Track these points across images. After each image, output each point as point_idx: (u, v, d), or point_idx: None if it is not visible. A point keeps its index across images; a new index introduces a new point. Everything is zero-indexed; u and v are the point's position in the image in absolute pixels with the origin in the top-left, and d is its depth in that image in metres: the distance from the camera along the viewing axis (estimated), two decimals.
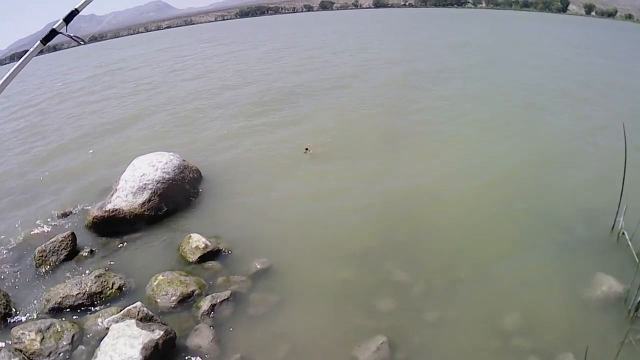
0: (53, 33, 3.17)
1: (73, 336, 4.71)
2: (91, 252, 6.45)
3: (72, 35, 3.24)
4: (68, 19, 3.24)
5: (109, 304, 5.37)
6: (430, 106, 13.63)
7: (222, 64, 27.52)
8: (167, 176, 7.47)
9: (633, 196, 6.25)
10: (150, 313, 4.78)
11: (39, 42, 3.11)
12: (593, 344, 4.27)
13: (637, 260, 5.63)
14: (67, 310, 5.27)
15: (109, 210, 6.89)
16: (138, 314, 4.71)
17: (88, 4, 3.47)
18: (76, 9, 3.32)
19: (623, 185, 6.15)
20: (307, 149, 9.47)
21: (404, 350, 4.71)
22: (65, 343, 4.63)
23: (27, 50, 3.19)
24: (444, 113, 12.81)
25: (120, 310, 4.87)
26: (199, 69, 25.90)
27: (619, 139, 6.03)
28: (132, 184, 7.19)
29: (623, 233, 6.25)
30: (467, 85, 16.49)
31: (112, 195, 7.21)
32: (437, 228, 6.88)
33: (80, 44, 3.46)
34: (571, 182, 8.31)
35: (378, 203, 7.60)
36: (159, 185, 7.26)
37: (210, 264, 6.00)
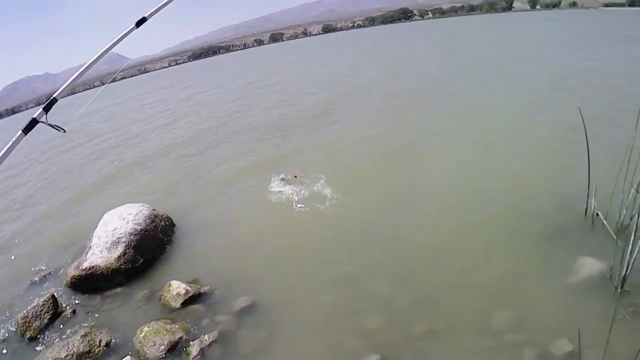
0: (34, 122, 3.18)
1: None
2: (74, 312, 6.36)
3: (52, 124, 3.26)
4: (47, 108, 3.26)
5: None
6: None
7: (186, 109, 27.49)
8: (139, 227, 7.43)
9: (600, 176, 6.33)
10: None
11: (20, 131, 3.10)
12: (585, 325, 4.35)
13: (615, 237, 5.70)
14: None
15: (86, 268, 6.82)
16: None
17: (65, 91, 3.49)
18: (54, 98, 3.36)
19: (589, 167, 6.26)
20: (296, 176, 9.70)
21: None
22: None
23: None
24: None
25: None
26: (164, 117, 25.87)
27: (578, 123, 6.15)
28: (106, 239, 7.14)
29: (597, 214, 6.34)
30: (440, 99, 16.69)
31: (87, 252, 7.15)
32: (412, 238, 6.93)
33: (61, 132, 3.47)
34: (539, 172, 8.46)
35: (349, 225, 7.65)
36: (132, 237, 7.20)
37: (193, 307, 5.96)
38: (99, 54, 3.69)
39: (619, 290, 5.18)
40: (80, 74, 3.66)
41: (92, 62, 3.73)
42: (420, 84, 20.07)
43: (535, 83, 16.85)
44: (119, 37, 3.68)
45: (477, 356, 4.72)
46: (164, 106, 31.08)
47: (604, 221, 6.15)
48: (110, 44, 3.68)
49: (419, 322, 5.21)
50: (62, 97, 3.49)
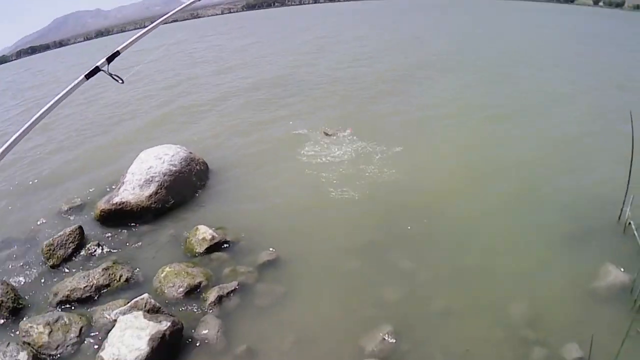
0: (96, 70, 3.39)
1: (81, 329, 4.77)
2: (99, 245, 6.47)
3: (112, 74, 3.43)
4: (110, 59, 3.46)
5: (116, 296, 5.39)
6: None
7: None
8: (174, 169, 7.51)
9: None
10: (157, 305, 4.81)
11: (82, 76, 3.29)
12: (598, 334, 4.23)
13: None
14: (75, 303, 5.31)
15: (117, 203, 6.94)
16: (145, 306, 4.75)
17: (130, 46, 3.67)
18: (118, 51, 3.55)
19: (630, 174, 6.15)
20: (326, 133, 9.88)
21: (409, 340, 4.73)
22: (73, 336, 4.68)
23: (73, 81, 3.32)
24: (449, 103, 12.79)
25: (128, 302, 4.90)
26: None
27: (626, 128, 6.04)
28: (139, 176, 7.23)
29: (630, 223, 6.23)
30: (467, 76, 16.35)
31: (119, 188, 7.26)
32: (442, 218, 6.87)
33: (119, 82, 3.63)
34: (578, 172, 8.28)
35: (382, 194, 7.61)
36: (165, 177, 7.29)
37: (217, 255, 6.04)
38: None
39: (638, 305, 5.12)
40: (145, 32, 3.85)
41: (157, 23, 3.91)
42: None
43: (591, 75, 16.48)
44: None
45: (489, 345, 4.73)
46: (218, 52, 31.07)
47: (635, 232, 6.06)
48: None
49: (436, 300, 5.24)
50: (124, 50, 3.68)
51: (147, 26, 4.06)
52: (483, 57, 20.26)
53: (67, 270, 6.06)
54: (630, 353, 4.14)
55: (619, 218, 6.48)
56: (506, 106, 12.25)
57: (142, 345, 4.24)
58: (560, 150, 9.18)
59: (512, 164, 8.60)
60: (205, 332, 4.76)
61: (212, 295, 5.17)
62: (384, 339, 4.66)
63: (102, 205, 6.99)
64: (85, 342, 4.71)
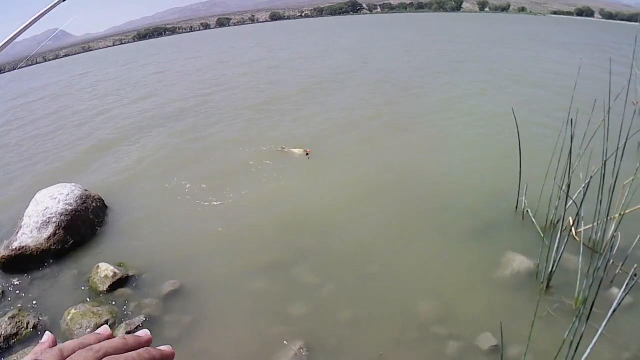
0: None
1: None
2: (2, 293, 6.55)
3: None
4: None
5: (26, 344, 5.52)
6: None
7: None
8: (70, 207, 7.61)
9: (531, 174, 6.80)
10: None
11: None
12: (510, 320, 4.74)
13: (542, 235, 6.24)
14: None
15: (16, 248, 7.00)
16: None
17: None
18: None
19: (521, 164, 6.68)
20: (307, 154, 10.09)
21: (321, 353, 5.05)
22: None
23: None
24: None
25: None
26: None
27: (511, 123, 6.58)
28: (36, 219, 7.30)
29: (527, 211, 6.82)
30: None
31: (17, 232, 7.30)
32: (341, 229, 7.34)
33: None
34: (472, 167, 9.03)
35: (281, 212, 8.08)
36: (62, 217, 7.39)
37: (121, 291, 6.22)
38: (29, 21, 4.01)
39: (545, 287, 5.63)
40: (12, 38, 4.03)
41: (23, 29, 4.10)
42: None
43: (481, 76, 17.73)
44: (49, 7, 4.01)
45: (402, 346, 5.07)
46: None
47: (533, 219, 6.63)
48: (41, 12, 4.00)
49: (344, 310, 5.59)
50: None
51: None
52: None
53: None
54: (543, 332, 4.68)
55: (517, 208, 7.09)
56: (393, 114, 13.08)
57: None
58: (449, 151, 9.97)
59: (407, 170, 9.25)
60: None
61: (120, 332, 5.28)
62: (296, 354, 4.95)
63: (2, 252, 7.02)
64: None
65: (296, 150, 10.40)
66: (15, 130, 18.26)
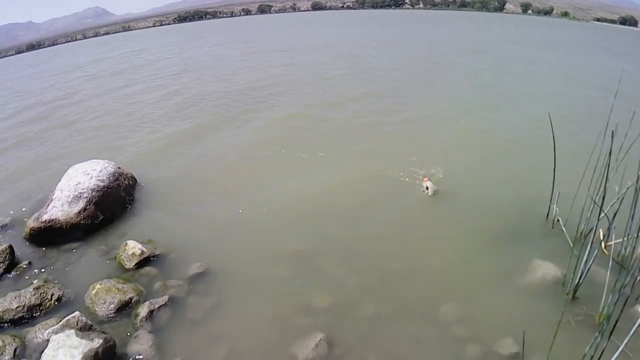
0: None
1: (15, 350, 5.10)
2: (29, 263, 6.82)
3: None
4: None
5: (49, 316, 5.75)
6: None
7: None
8: (102, 184, 7.85)
9: (565, 183, 6.84)
10: (89, 322, 5.14)
11: None
12: (532, 327, 4.79)
13: (572, 245, 6.29)
14: (8, 324, 5.64)
15: (46, 220, 7.25)
16: (77, 324, 5.06)
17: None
18: None
19: (554, 172, 6.76)
20: (426, 188, 8.33)
21: (342, 346, 5.24)
22: (7, 358, 5.01)
23: None
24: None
25: (60, 321, 5.19)
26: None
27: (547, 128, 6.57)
28: (68, 193, 7.55)
29: (558, 220, 6.88)
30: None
31: (48, 205, 7.56)
32: (369, 223, 7.49)
33: None
34: (505, 172, 9.07)
35: (308, 202, 8.20)
36: (94, 193, 7.63)
37: (147, 269, 6.47)
38: None
39: (570, 297, 5.71)
40: None
41: None
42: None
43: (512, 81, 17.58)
44: None
45: (422, 344, 5.24)
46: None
47: (563, 228, 6.69)
48: None
49: (366, 304, 5.77)
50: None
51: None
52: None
53: None
54: (565, 343, 4.73)
55: (547, 216, 7.13)
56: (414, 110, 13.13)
57: None
58: (484, 154, 9.97)
59: (436, 167, 9.28)
60: (137, 347, 5.15)
61: (143, 310, 5.59)
62: (316, 346, 5.11)
63: (32, 223, 7.28)
64: None
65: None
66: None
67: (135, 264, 6.50)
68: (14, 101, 20.42)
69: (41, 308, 5.87)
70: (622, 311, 4.12)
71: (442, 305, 5.76)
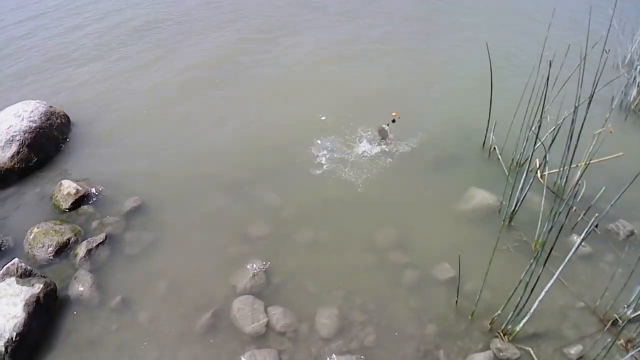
0: None
1: None
2: None
3: None
4: None
5: None
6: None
7: None
8: (34, 125, 7.66)
9: (502, 112, 6.95)
10: (29, 268, 5.20)
11: None
12: (469, 254, 4.97)
13: (507, 173, 6.52)
14: None
15: None
16: (17, 271, 5.11)
17: None
18: None
19: (491, 101, 6.88)
20: (393, 120, 7.70)
21: (280, 274, 5.48)
22: None
23: None
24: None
25: (0, 270, 5.22)
26: None
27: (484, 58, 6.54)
28: (0, 137, 7.40)
29: (494, 148, 7.07)
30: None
31: None
32: (305, 154, 7.51)
33: None
34: (442, 102, 9.06)
35: (246, 133, 8.13)
36: (26, 135, 7.45)
37: (84, 208, 6.44)
38: None
39: (506, 224, 5.98)
40: None
41: None
42: None
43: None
44: None
45: (360, 271, 5.51)
46: None
47: (499, 156, 6.90)
48: None
49: (303, 232, 6.00)
50: None
51: None
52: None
53: None
54: (501, 268, 4.97)
55: (484, 144, 7.31)
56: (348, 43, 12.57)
57: (18, 312, 4.64)
58: (424, 82, 9.87)
59: (372, 96, 9.18)
60: (79, 288, 5.24)
61: (81, 250, 5.62)
62: (255, 274, 5.33)
63: None
64: None
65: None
66: None
67: (71, 204, 6.43)
68: None
69: None
70: (556, 239, 4.24)
71: (380, 232, 6.00)
